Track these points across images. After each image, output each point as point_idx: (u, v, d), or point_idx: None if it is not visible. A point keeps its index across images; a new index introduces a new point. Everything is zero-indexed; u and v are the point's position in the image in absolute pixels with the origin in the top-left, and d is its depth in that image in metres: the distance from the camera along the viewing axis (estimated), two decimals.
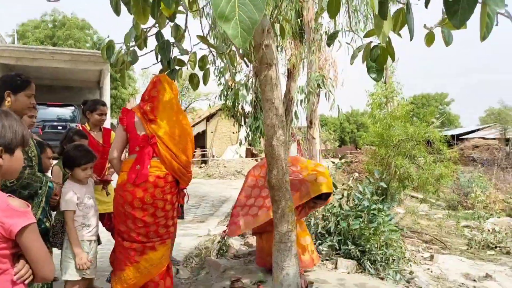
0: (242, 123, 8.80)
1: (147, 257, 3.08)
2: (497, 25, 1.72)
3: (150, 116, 3.08)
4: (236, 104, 8.22)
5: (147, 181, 3.03)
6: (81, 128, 4.11)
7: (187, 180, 3.28)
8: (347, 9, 5.77)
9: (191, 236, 6.95)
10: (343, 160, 9.77)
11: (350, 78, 11.47)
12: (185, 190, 3.36)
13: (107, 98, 14.19)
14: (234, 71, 6.95)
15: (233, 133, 24.63)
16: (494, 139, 25.36)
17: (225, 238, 5.49)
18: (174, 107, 3.24)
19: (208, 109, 25.26)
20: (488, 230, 8.35)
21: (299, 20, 7.83)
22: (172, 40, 3.38)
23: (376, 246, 4.78)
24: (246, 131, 8.51)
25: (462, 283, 5.12)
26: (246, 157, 23.79)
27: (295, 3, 7.20)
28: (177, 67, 3.57)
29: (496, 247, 7.27)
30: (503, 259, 6.71)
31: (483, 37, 1.74)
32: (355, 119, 45.93)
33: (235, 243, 5.71)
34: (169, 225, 3.21)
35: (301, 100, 7.55)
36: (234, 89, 6.93)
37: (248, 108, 8.29)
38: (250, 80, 7.24)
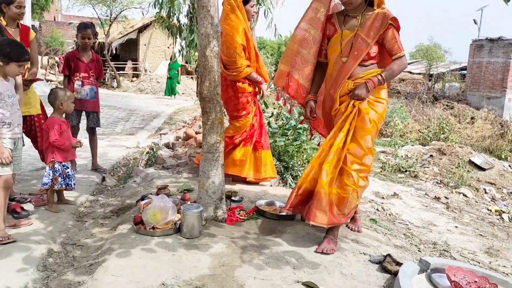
0: (177, 36, 8.44)
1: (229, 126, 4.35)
2: None
3: None
4: (171, 14, 7.82)
5: None
6: None
7: (225, 76, 4.05)
8: None
9: (119, 147, 6.88)
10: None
11: (293, 4, 11.23)
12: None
13: None
14: None
15: (168, 47, 23.67)
16: (419, 74, 26.71)
17: (154, 149, 5.50)
18: (222, 15, 3.96)
19: (141, 19, 23.77)
20: (401, 156, 9.10)
21: None
22: None
23: (299, 163, 5.06)
24: (181, 45, 8.21)
25: (372, 200, 5.65)
26: (181, 74, 23.19)
27: None
28: None
29: (406, 171, 8.00)
30: (410, 181, 7.44)
31: None
32: None
33: (164, 154, 5.76)
34: (229, 109, 4.30)
35: None
36: None
37: (184, 20, 7.92)
38: None
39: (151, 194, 3.71)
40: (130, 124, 9.95)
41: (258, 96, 4.39)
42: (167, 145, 6.62)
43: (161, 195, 3.28)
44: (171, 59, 16.45)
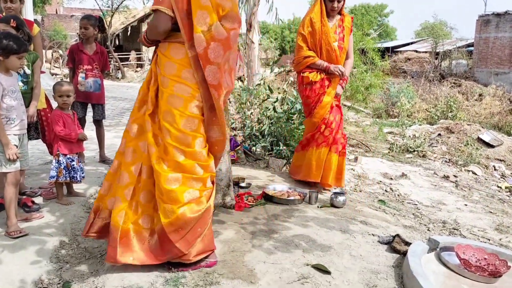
0: None
1: None
2: None
3: None
4: None
5: None
6: None
7: None
8: None
9: None
10: (280, 69, 9.81)
11: None
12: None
13: None
14: None
15: None
16: (425, 52, 26.36)
17: None
18: None
19: (143, 8, 23.65)
20: (409, 136, 9.06)
21: None
22: None
23: None
24: None
25: (380, 181, 5.63)
26: None
27: None
28: None
29: (414, 151, 7.95)
30: (418, 161, 7.40)
31: None
32: (296, 28, 45.36)
33: None
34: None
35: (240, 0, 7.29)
36: None
37: None
38: None
39: None
40: None
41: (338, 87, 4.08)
42: None
43: None
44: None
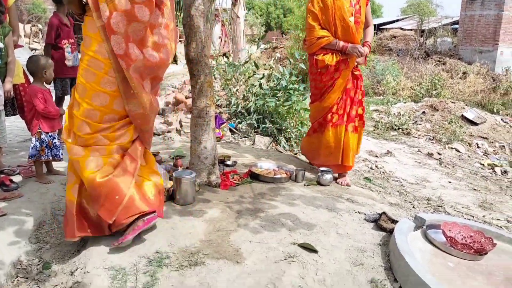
0: None
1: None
2: None
3: None
4: None
5: None
6: None
7: None
8: None
9: None
10: (266, 45, 9.63)
11: None
12: None
13: None
14: None
15: None
16: (411, 30, 26.28)
17: None
18: None
19: None
20: (394, 114, 9.07)
21: None
22: None
23: (292, 124, 4.99)
24: None
25: (366, 159, 5.64)
26: None
27: None
28: None
29: (399, 128, 7.99)
30: (403, 139, 7.44)
31: None
32: (282, 4, 44.66)
33: (155, 121, 5.66)
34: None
35: None
36: None
37: None
38: None
39: None
40: None
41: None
42: None
43: None
44: None
